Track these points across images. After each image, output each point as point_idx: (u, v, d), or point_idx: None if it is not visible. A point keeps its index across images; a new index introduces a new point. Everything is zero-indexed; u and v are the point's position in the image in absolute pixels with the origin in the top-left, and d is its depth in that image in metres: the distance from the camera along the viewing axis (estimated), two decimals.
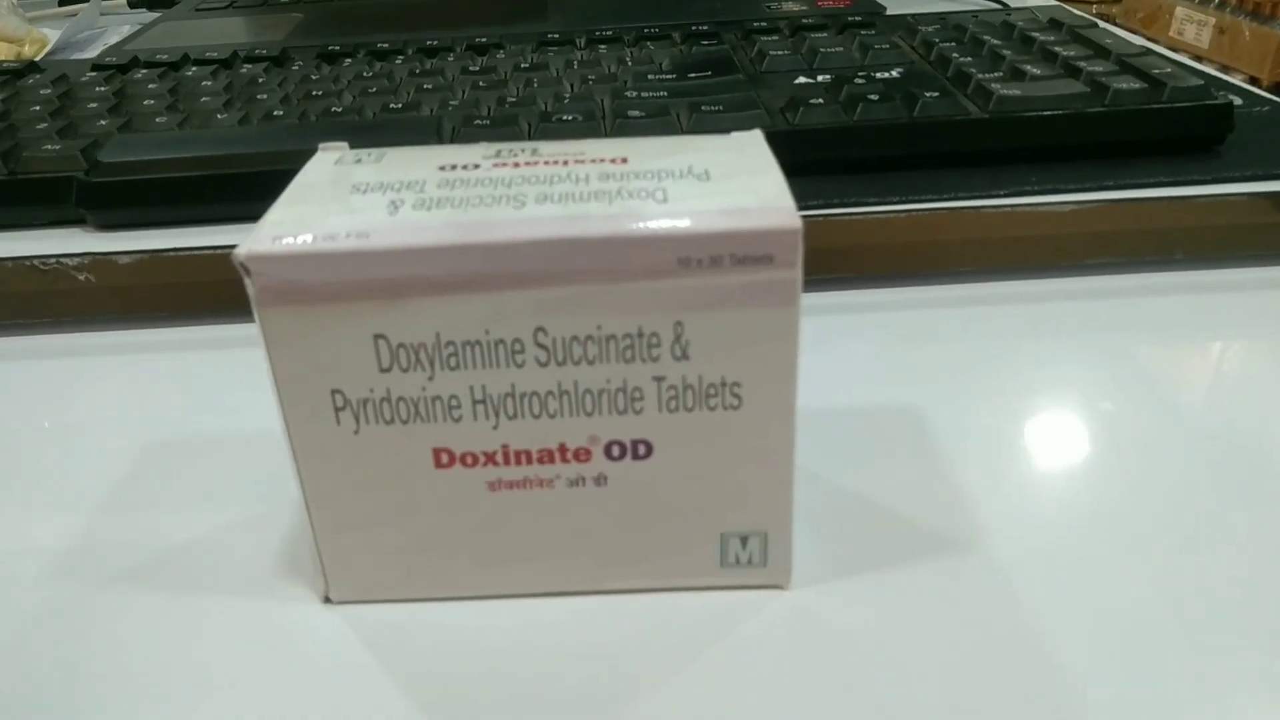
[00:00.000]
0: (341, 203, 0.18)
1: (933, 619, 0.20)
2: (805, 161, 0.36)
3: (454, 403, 0.18)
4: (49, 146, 0.35)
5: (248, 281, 0.17)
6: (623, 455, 0.19)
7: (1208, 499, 0.23)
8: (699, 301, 0.17)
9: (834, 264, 0.34)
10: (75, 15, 0.66)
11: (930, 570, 0.21)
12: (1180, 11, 1.74)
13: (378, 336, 0.18)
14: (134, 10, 0.69)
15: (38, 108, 0.40)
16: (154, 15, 0.68)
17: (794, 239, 0.17)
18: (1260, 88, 1.63)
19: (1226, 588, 0.20)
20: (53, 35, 0.61)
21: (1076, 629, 0.19)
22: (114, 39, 0.62)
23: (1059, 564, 0.21)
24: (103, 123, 0.38)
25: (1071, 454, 0.25)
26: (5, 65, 0.45)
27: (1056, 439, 0.25)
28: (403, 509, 0.19)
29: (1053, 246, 0.34)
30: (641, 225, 0.17)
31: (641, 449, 0.19)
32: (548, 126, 0.36)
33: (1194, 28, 1.73)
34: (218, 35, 0.55)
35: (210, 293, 0.33)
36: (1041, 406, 0.27)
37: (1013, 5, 0.60)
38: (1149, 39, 1.74)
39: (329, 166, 0.20)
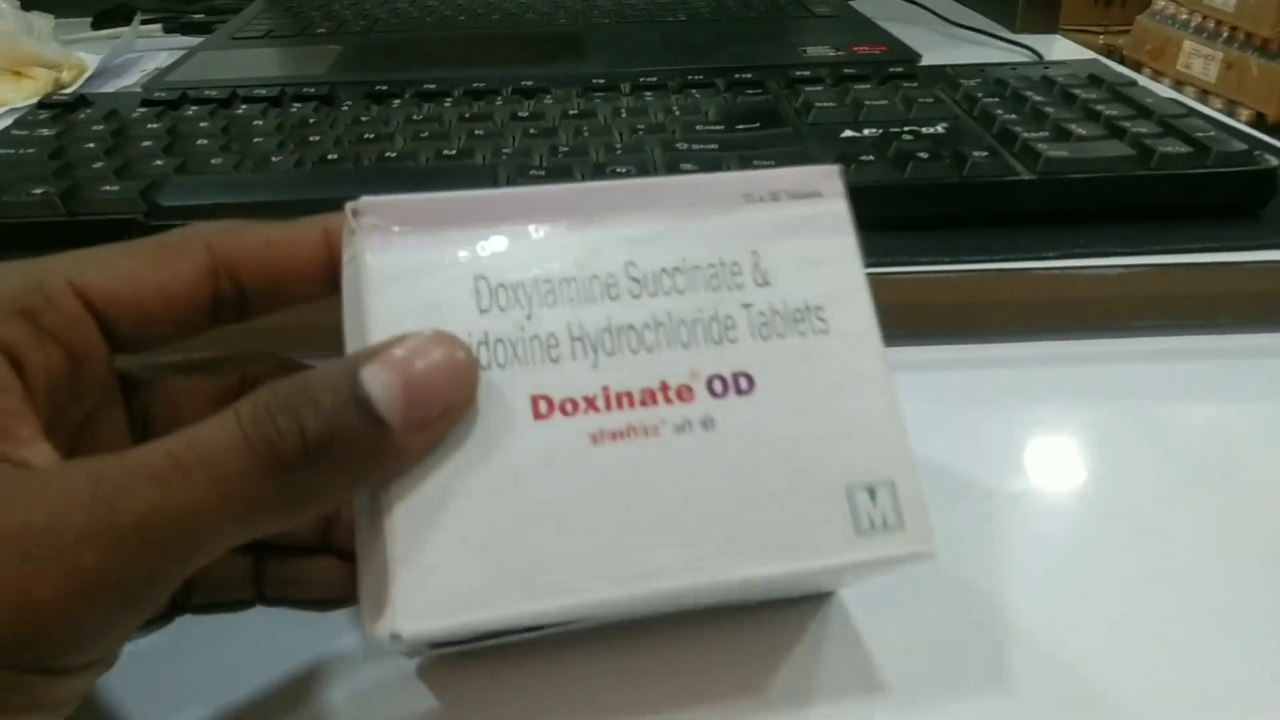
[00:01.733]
0: None
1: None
2: (856, 218, 0.37)
3: (552, 341, 0.18)
4: (108, 188, 0.36)
5: (354, 226, 0.18)
6: (725, 390, 0.19)
7: (1242, 569, 0.23)
8: (767, 231, 0.20)
9: (884, 322, 0.34)
10: (113, 39, 0.66)
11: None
12: (1188, 45, 1.75)
13: (478, 278, 0.18)
14: (168, 35, 0.69)
15: (92, 145, 0.40)
16: (187, 40, 0.68)
17: (834, 175, 0.21)
18: (1268, 123, 1.63)
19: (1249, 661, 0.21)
20: (89, 59, 0.62)
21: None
22: (151, 65, 0.62)
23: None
24: (159, 163, 0.38)
25: (1112, 521, 0.25)
26: (55, 99, 0.46)
27: (1098, 504, 0.26)
28: (500, 476, 0.17)
29: (1099, 309, 0.35)
30: (710, 174, 0.20)
31: (743, 382, 0.19)
32: (602, 179, 0.36)
33: (1201, 62, 1.74)
34: (259, 68, 0.55)
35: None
36: (1086, 471, 0.27)
37: (1045, 55, 0.61)
38: (1156, 72, 1.75)
39: None
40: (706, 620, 0.22)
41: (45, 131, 0.42)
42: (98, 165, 0.38)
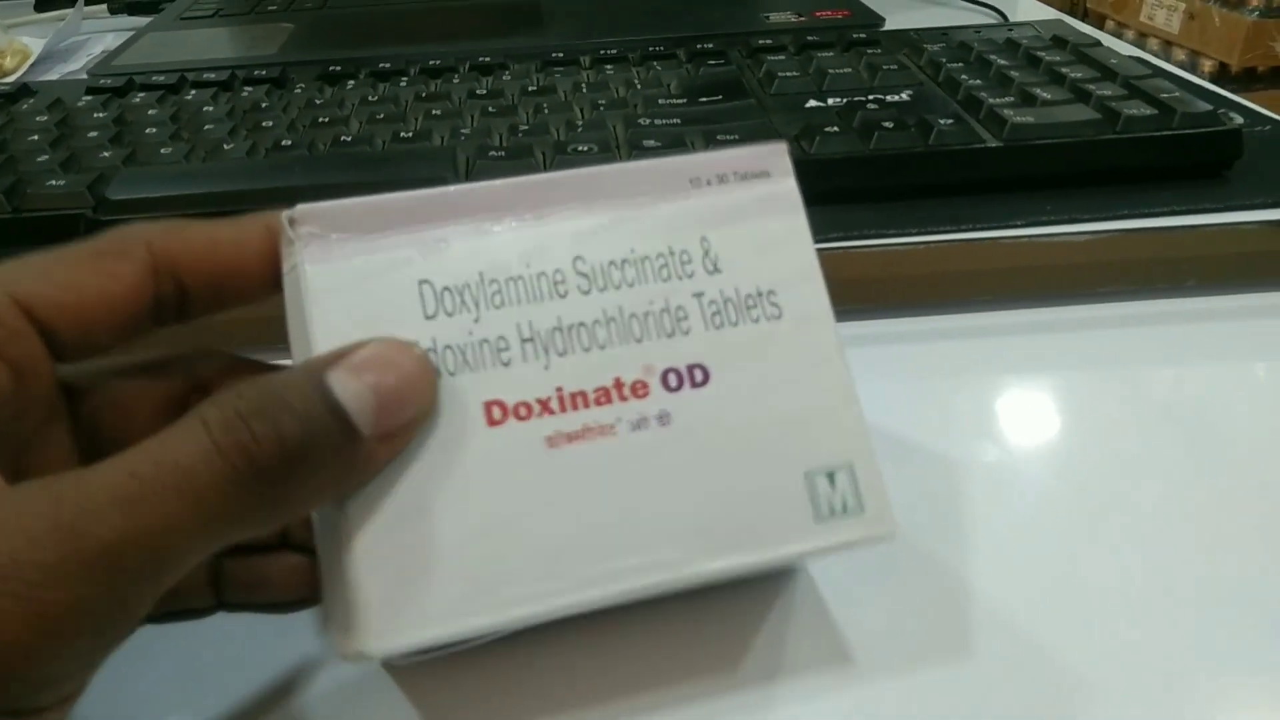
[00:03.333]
0: None
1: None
2: (822, 190, 0.36)
3: (502, 344, 0.18)
4: (54, 182, 0.35)
5: (292, 235, 0.18)
6: (680, 384, 0.18)
7: (1215, 536, 0.23)
8: (716, 217, 0.19)
9: (853, 295, 0.34)
10: (57, 23, 0.64)
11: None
12: None
13: (422, 282, 0.18)
14: (115, 16, 0.68)
15: (36, 137, 0.39)
16: (134, 20, 0.66)
17: (782, 154, 0.20)
18: (1230, 73, 1.63)
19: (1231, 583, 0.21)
20: (33, 44, 0.60)
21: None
22: (98, 48, 0.61)
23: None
24: (106, 154, 0.37)
25: (1081, 480, 0.25)
26: None
27: (1068, 473, 0.26)
28: (458, 489, 0.17)
29: (1067, 275, 0.35)
30: (656, 159, 0.20)
31: (698, 374, 0.19)
32: (563, 158, 0.36)
33: (1164, 13, 1.74)
34: (208, 49, 0.54)
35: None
36: (1056, 440, 0.27)
37: (1009, 14, 0.60)
38: (1119, 24, 1.75)
39: None
40: (673, 600, 0.22)
41: None
42: (43, 159, 0.37)
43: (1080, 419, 0.28)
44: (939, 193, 0.36)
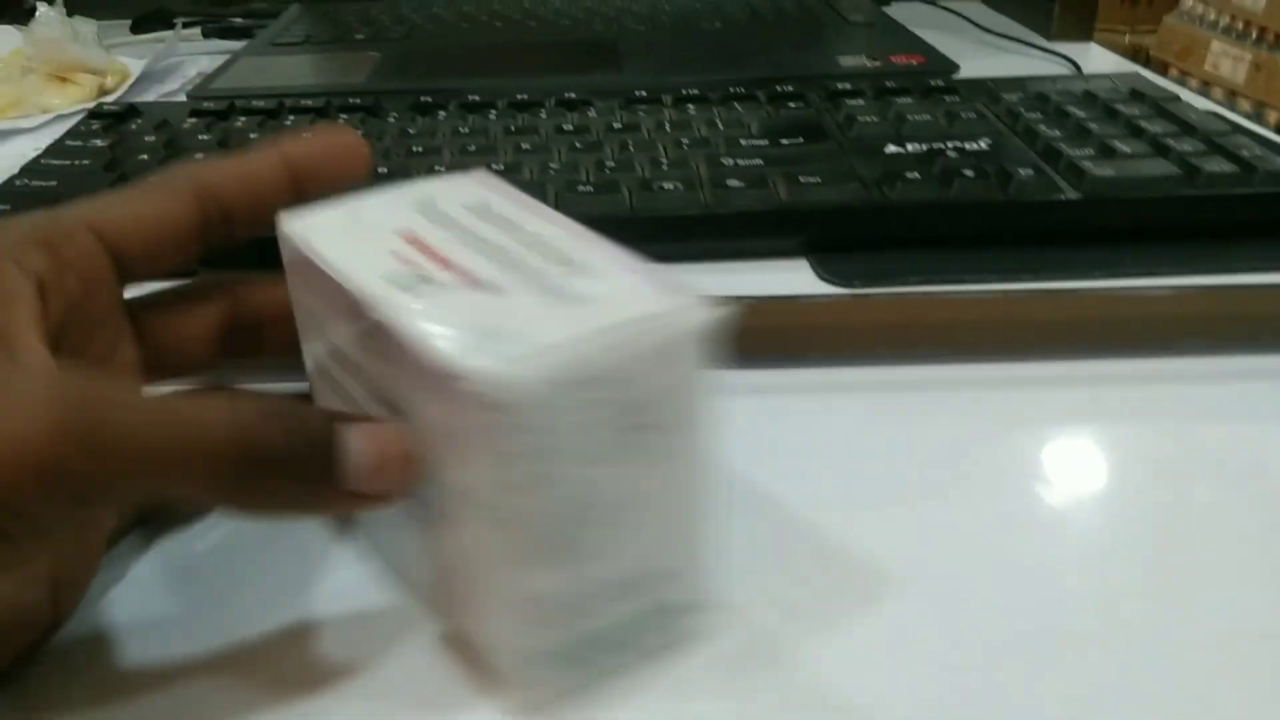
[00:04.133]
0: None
1: None
2: (901, 236, 0.37)
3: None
4: None
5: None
6: None
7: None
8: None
9: (929, 339, 0.35)
10: (154, 44, 0.67)
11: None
12: (1216, 46, 1.74)
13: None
14: (208, 40, 0.70)
15: (145, 157, 0.41)
16: (226, 45, 0.69)
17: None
18: None
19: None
20: (132, 64, 0.62)
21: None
22: (192, 70, 0.63)
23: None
24: None
25: (1151, 543, 0.25)
26: (105, 108, 0.46)
27: (1136, 526, 0.26)
28: None
29: (1144, 329, 0.35)
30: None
31: None
32: (649, 195, 0.37)
33: (1229, 63, 1.72)
34: (301, 75, 0.56)
35: None
36: (1125, 492, 0.27)
37: (1081, 63, 0.61)
38: (1183, 72, 1.75)
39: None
40: None
41: (98, 142, 0.42)
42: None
43: (1148, 472, 0.29)
44: (1017, 241, 0.37)
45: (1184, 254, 0.36)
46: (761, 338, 0.34)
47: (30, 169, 0.40)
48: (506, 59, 0.59)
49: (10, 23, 0.69)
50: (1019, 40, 0.67)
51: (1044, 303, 0.34)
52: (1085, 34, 0.69)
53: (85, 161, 0.40)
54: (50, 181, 0.39)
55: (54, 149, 0.42)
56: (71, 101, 0.57)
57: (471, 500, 0.19)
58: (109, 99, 0.58)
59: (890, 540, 0.25)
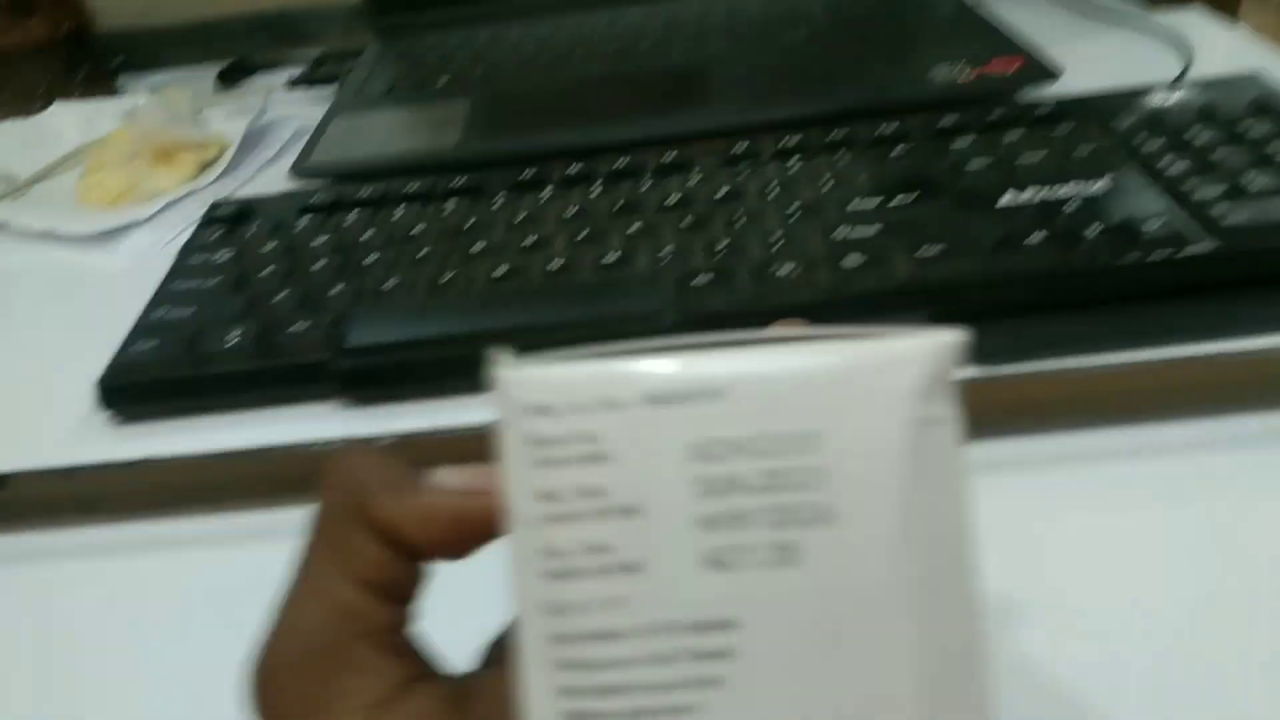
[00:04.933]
0: None
1: None
2: (1026, 304, 0.37)
3: None
4: (295, 329, 0.38)
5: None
6: None
7: None
8: None
9: (1061, 411, 0.34)
10: (242, 100, 0.68)
11: None
12: None
13: None
14: (292, 90, 0.71)
15: (269, 271, 0.42)
16: (309, 93, 0.70)
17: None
18: None
19: None
20: (225, 130, 0.64)
21: None
22: (286, 132, 0.64)
23: None
24: (336, 291, 0.40)
25: None
26: (219, 212, 0.48)
27: None
28: None
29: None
30: None
31: None
32: (768, 283, 0.37)
33: None
34: (395, 140, 0.57)
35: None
36: None
37: (1187, 37, 0.58)
38: None
39: None
40: None
41: (221, 257, 0.44)
42: (279, 298, 0.40)
43: None
44: (1149, 297, 0.36)
45: None
46: None
47: (166, 296, 0.42)
48: (593, 99, 0.58)
49: (89, 94, 0.71)
50: (1116, 14, 0.64)
51: (1184, 367, 0.34)
52: None
53: (213, 283, 0.42)
54: (189, 310, 0.40)
55: (180, 269, 0.44)
56: (178, 182, 0.59)
57: (515, 601, 0.14)
58: (212, 175, 0.59)
59: None
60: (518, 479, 0.14)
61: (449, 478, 0.17)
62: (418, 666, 0.17)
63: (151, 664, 0.30)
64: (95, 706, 0.29)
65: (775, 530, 0.13)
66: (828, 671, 0.13)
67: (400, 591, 0.17)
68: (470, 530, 0.17)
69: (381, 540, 0.17)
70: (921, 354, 0.13)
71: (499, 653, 0.18)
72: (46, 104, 0.68)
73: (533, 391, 0.13)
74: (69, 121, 0.66)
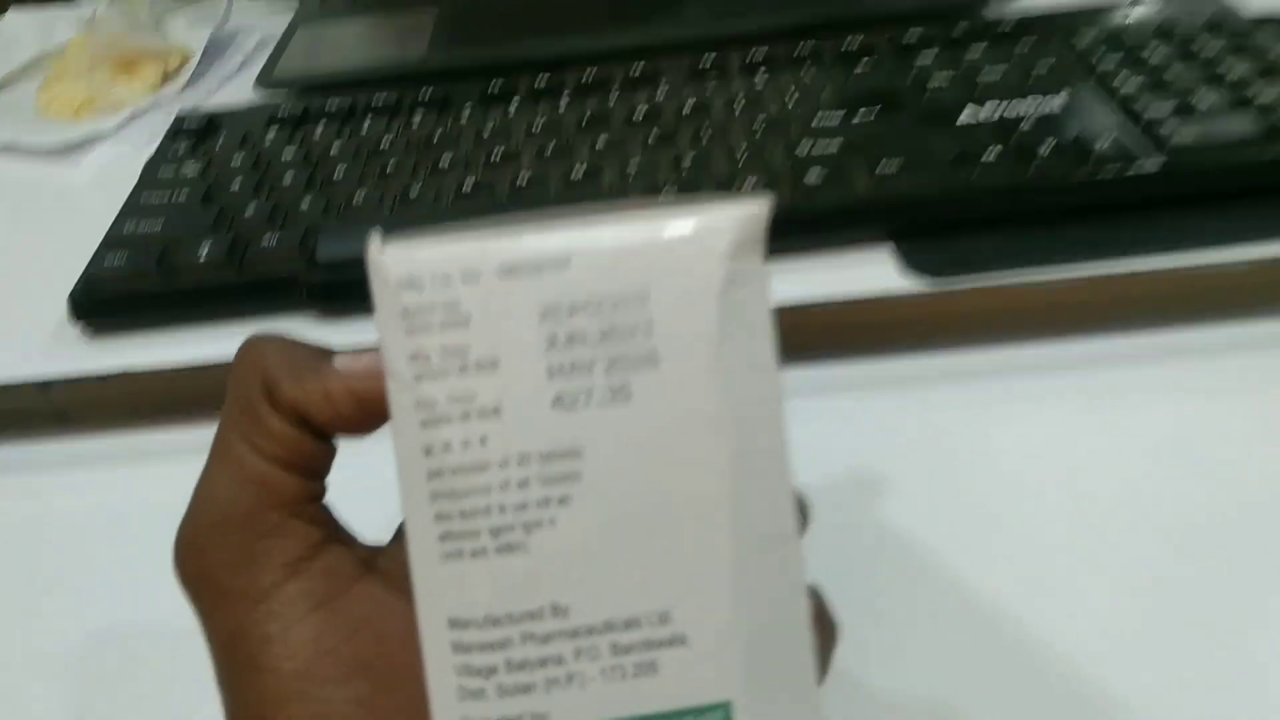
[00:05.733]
0: None
1: None
2: (980, 219, 0.38)
3: None
4: (268, 243, 0.38)
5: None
6: None
7: None
8: None
9: (1012, 325, 0.36)
10: (202, 8, 0.67)
11: None
12: None
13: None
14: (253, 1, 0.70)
15: (238, 184, 0.42)
16: (269, 2, 0.69)
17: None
18: None
19: None
20: (185, 36, 0.63)
21: None
22: (249, 42, 0.63)
23: None
24: (306, 203, 0.40)
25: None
26: (186, 125, 0.47)
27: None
28: None
29: (1226, 295, 0.36)
30: None
31: None
32: (729, 193, 0.38)
33: None
34: (362, 50, 0.56)
35: None
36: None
37: None
38: None
39: None
40: None
41: (189, 170, 0.44)
42: (249, 212, 0.40)
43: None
44: (1098, 212, 0.37)
45: (1267, 218, 0.36)
46: (852, 332, 0.35)
47: (134, 209, 0.42)
48: (561, 9, 0.58)
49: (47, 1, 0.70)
50: None
51: (1127, 282, 0.35)
52: None
53: (182, 195, 0.42)
54: (158, 223, 0.40)
55: (148, 181, 0.44)
56: (141, 92, 0.58)
57: (395, 448, 0.16)
58: (175, 86, 0.58)
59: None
60: (392, 344, 0.16)
61: (348, 362, 0.19)
62: (330, 531, 0.19)
63: (125, 571, 0.31)
64: (73, 613, 0.31)
65: (609, 375, 0.16)
66: (656, 485, 0.16)
67: (310, 465, 0.19)
68: (368, 408, 0.18)
69: (289, 419, 0.19)
70: (731, 221, 0.16)
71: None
72: (1, 11, 0.66)
73: (401, 268, 0.16)
74: (25, 29, 0.65)
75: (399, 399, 0.16)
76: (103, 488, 0.35)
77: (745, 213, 0.16)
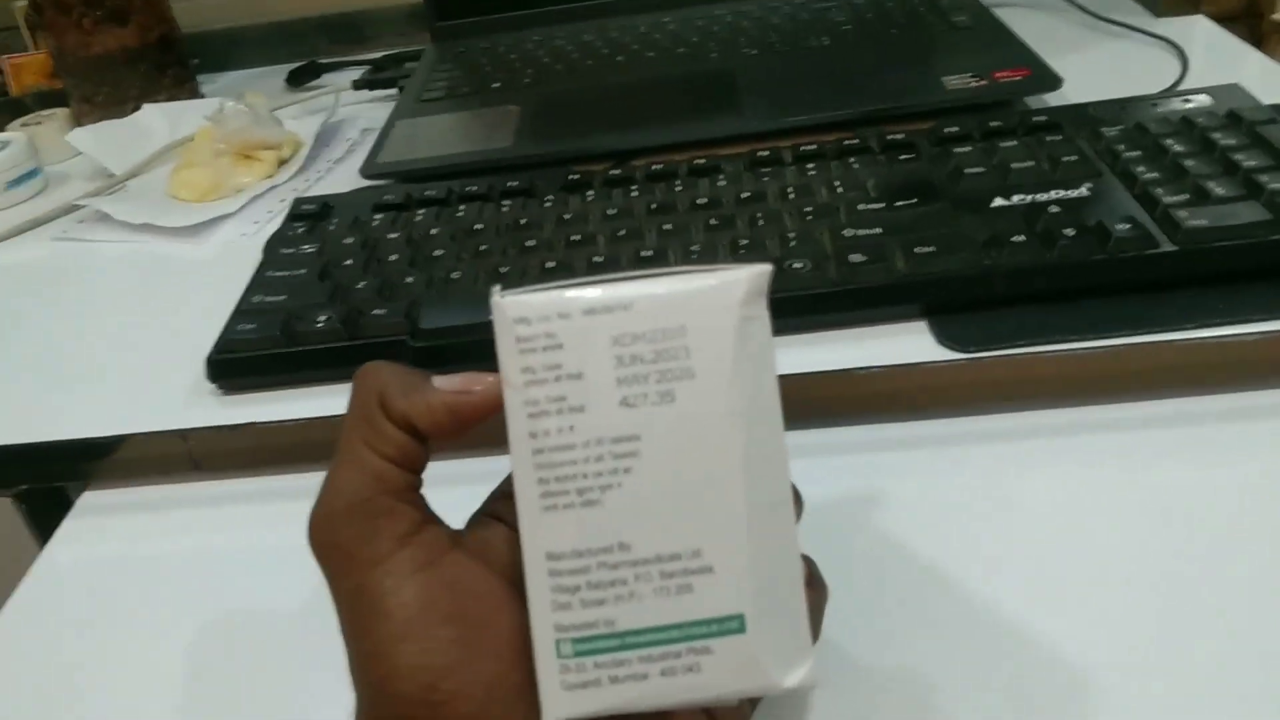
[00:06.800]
0: None
1: None
2: (1007, 296, 0.42)
3: None
4: (377, 311, 0.44)
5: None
6: None
7: None
8: None
9: (1035, 392, 0.40)
10: (313, 101, 0.74)
11: None
12: None
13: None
14: (357, 90, 0.77)
15: (350, 263, 0.48)
16: (372, 94, 0.76)
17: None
18: None
19: None
20: (297, 128, 0.70)
21: None
22: (353, 131, 0.71)
23: None
24: (410, 279, 0.46)
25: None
26: (303, 209, 0.54)
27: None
28: None
29: (1232, 367, 0.39)
30: None
31: None
32: (781, 276, 0.42)
33: None
34: (455, 141, 0.63)
35: None
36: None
37: (1185, 43, 0.62)
38: None
39: None
40: None
41: (307, 249, 0.50)
42: (361, 286, 0.46)
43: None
44: (1116, 290, 0.41)
45: (1273, 295, 0.40)
46: (891, 397, 0.40)
47: (261, 283, 0.48)
48: (634, 104, 0.64)
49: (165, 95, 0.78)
50: (1122, 24, 0.68)
51: (1142, 352, 0.39)
52: (1193, 7, 0.70)
53: (301, 272, 0.48)
54: (282, 296, 0.47)
55: (271, 259, 0.50)
56: (259, 178, 0.65)
57: (509, 434, 0.22)
58: (289, 172, 0.66)
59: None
60: (508, 361, 0.22)
61: (444, 382, 0.25)
62: (427, 514, 0.25)
63: (251, 598, 0.36)
64: (204, 632, 0.36)
65: (660, 384, 0.22)
66: (692, 461, 0.22)
67: (413, 463, 0.25)
68: (460, 417, 0.24)
69: (399, 425, 0.24)
70: (745, 277, 0.22)
71: (477, 518, 0.26)
72: (138, 105, 0.75)
73: (516, 309, 0.22)
74: (158, 121, 0.73)
75: (512, 399, 0.22)
76: (232, 525, 0.40)
77: (754, 272, 0.23)
